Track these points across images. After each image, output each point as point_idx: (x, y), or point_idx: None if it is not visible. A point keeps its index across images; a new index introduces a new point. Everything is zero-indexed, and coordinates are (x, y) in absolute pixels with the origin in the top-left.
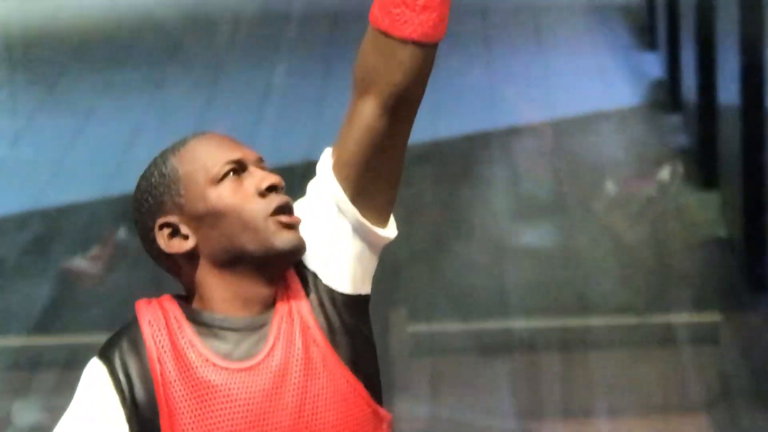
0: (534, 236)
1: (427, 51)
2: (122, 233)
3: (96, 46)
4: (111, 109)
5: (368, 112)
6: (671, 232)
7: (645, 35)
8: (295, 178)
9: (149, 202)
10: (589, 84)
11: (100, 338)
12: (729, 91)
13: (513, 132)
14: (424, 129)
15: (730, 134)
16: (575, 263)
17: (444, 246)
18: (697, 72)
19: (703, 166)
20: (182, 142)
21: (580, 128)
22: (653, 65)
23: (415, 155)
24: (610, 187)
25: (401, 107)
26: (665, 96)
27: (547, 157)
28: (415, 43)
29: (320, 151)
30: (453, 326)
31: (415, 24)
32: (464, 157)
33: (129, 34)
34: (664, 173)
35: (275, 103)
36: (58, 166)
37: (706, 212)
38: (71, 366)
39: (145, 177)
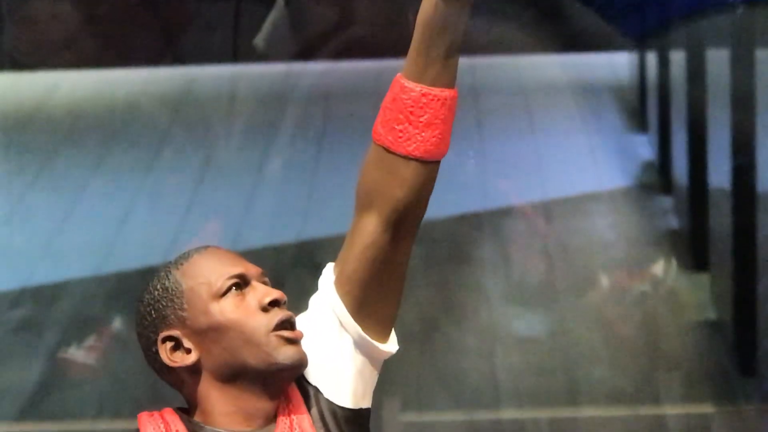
0: (525, 322)
1: (429, 168)
2: (118, 323)
3: (88, 127)
4: (103, 189)
5: (371, 228)
6: (661, 315)
7: (636, 117)
8: (286, 258)
9: (152, 315)
10: (580, 165)
11: (92, 426)
12: (720, 174)
13: (504, 213)
14: None
15: (720, 217)
16: (566, 350)
17: (435, 329)
18: (688, 154)
19: (693, 248)
20: (185, 256)
21: (571, 210)
22: (644, 147)
23: None
24: (603, 280)
25: (403, 224)
26: (656, 178)
27: (538, 238)
28: (418, 160)
29: (312, 231)
30: (445, 416)
31: (418, 141)
32: (455, 238)
33: (122, 115)
34: (658, 268)
35: (267, 183)
36: (49, 244)
37: (696, 295)
38: None
39: (148, 290)
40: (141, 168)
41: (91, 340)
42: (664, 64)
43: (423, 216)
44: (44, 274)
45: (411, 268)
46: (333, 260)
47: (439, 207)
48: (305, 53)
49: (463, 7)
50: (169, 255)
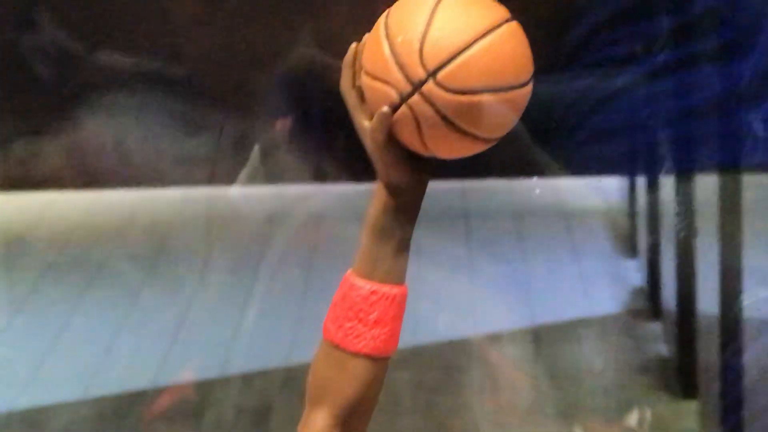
0: None
1: (379, 364)
2: None
3: (80, 246)
4: (92, 309)
5: (320, 423)
6: None
7: (626, 242)
8: (274, 383)
9: None
10: (569, 291)
11: None
12: (708, 299)
13: (494, 338)
14: (404, 335)
15: (708, 342)
16: None
17: None
18: (677, 280)
19: (681, 374)
20: None
21: (561, 335)
22: (633, 272)
23: (394, 360)
24: (590, 409)
25: (352, 419)
26: (645, 303)
27: (528, 364)
28: (368, 357)
29: (300, 356)
30: None
31: (367, 339)
32: (444, 363)
33: (113, 235)
34: (632, 419)
35: (254, 309)
36: (37, 367)
37: (684, 422)
38: None
39: None
40: (128, 295)
41: None
42: (652, 193)
43: (372, 411)
44: (31, 396)
45: (399, 394)
46: None
47: (428, 332)
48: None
49: (411, 206)
50: (157, 379)
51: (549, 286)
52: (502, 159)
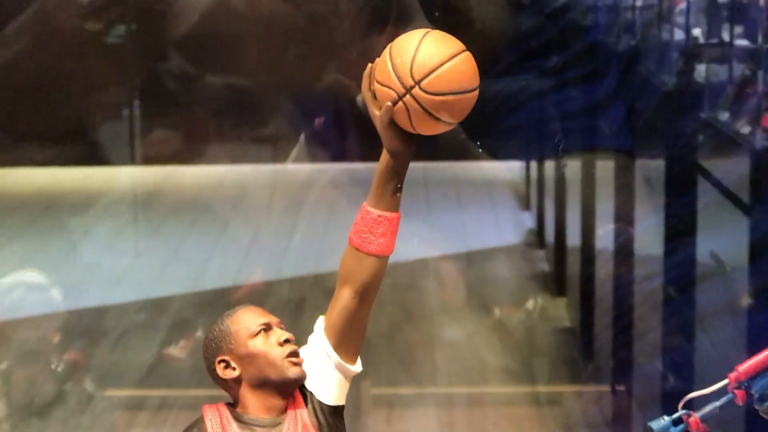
0: (452, 329)
1: (382, 261)
2: (199, 333)
3: (189, 199)
4: (197, 237)
5: (346, 296)
6: (536, 324)
7: (523, 200)
8: (307, 283)
9: (212, 347)
10: (489, 230)
11: (185, 392)
12: (573, 235)
13: (442, 258)
14: None
15: (573, 261)
16: (475, 350)
17: (397, 330)
18: (555, 223)
19: (556, 282)
20: (233, 310)
21: (483, 257)
22: (528, 219)
23: None
24: (497, 311)
25: (365, 294)
26: (534, 238)
27: (463, 274)
28: (376, 256)
29: (325, 266)
30: (400, 389)
31: (376, 244)
32: (411, 273)
33: (210, 192)
34: (529, 305)
35: (298, 235)
36: (163, 272)
37: (558, 310)
38: (163, 410)
39: (211, 331)
40: (218, 229)
41: (182, 343)
42: (540, 169)
43: (377, 290)
44: (133, 295)
45: (381, 292)
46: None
47: (401, 253)
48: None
49: (404, 164)
50: (237, 280)
51: (476, 227)
52: (450, 148)
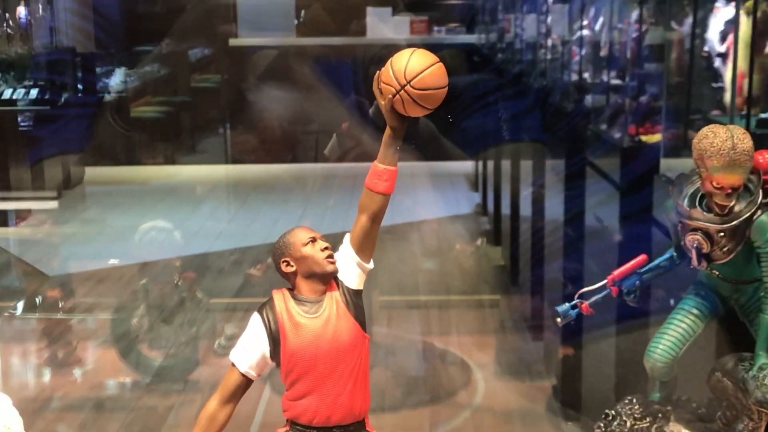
0: (425, 263)
1: (386, 198)
2: (269, 261)
3: (260, 184)
4: (268, 209)
5: (363, 220)
6: (481, 262)
7: (473, 185)
8: (338, 240)
9: (279, 252)
10: (450, 204)
11: (261, 299)
12: (506, 206)
13: (420, 222)
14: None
15: (506, 223)
16: (444, 273)
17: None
18: (494, 199)
19: (494, 236)
20: (291, 229)
21: (447, 222)
22: (476, 197)
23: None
24: (456, 247)
25: (375, 219)
26: (480, 209)
27: (434, 230)
28: (382, 194)
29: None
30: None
31: (382, 187)
32: (399, 232)
33: (274, 180)
34: (479, 242)
35: (331, 202)
36: (245, 232)
37: (496, 254)
38: (249, 312)
39: (277, 242)
40: (281, 204)
41: (258, 266)
42: (485, 165)
43: (383, 216)
44: (226, 245)
45: (383, 241)
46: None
47: (396, 218)
48: None
49: (399, 136)
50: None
51: (443, 202)
52: (429, 152)
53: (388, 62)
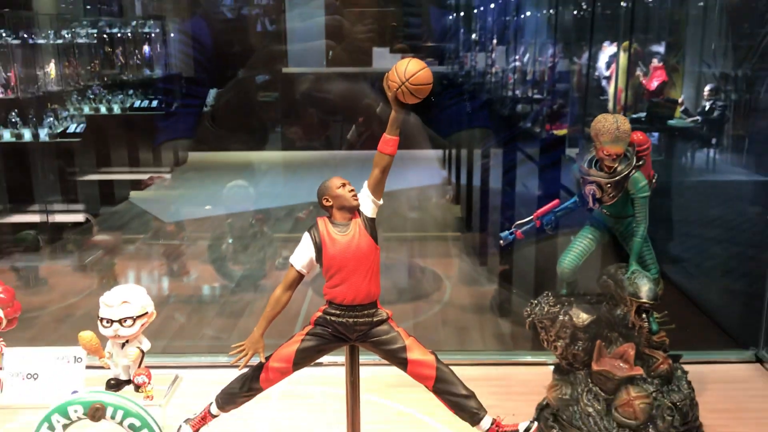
0: (413, 212)
1: (391, 157)
2: (312, 208)
3: (284, 167)
4: (292, 183)
5: (376, 172)
6: (445, 215)
7: (443, 165)
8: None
9: (321, 192)
10: (427, 177)
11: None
12: (468, 181)
13: (404, 190)
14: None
15: (471, 190)
16: (422, 222)
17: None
18: (457, 176)
19: (456, 197)
20: (329, 178)
21: (425, 190)
22: (444, 173)
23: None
24: (427, 205)
25: (383, 171)
26: (448, 180)
27: (416, 198)
28: (389, 155)
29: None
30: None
31: (388, 149)
32: (391, 204)
33: (298, 165)
34: (445, 200)
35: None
36: (276, 196)
37: (456, 209)
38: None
39: (320, 186)
40: (299, 181)
41: (304, 212)
42: (450, 152)
43: (389, 169)
44: (282, 202)
45: (385, 200)
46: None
47: (392, 187)
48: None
49: (401, 117)
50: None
51: (422, 175)
52: (414, 142)
53: (393, 67)
